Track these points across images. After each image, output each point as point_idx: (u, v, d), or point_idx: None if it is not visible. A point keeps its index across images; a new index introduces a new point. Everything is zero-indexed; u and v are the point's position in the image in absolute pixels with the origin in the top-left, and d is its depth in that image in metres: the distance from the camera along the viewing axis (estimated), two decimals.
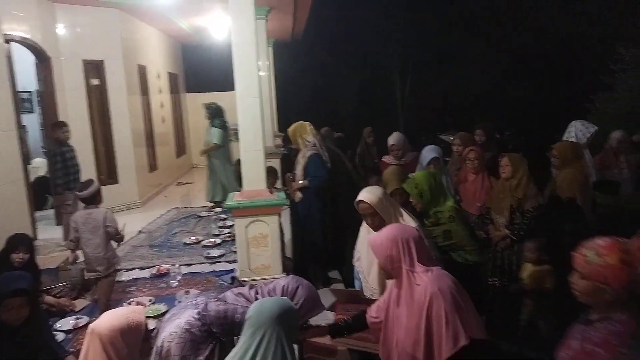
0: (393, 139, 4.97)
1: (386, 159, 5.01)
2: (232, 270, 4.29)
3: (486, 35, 14.91)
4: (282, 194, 3.99)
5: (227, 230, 5.50)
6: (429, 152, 4.33)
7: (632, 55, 8.68)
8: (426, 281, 1.94)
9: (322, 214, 4.66)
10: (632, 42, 8.80)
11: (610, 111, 8.61)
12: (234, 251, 4.52)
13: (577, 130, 4.55)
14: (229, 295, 2.23)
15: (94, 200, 3.65)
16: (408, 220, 2.68)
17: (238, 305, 2.13)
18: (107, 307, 3.31)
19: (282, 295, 2.13)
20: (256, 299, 2.15)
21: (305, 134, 4.61)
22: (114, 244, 3.74)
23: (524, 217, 3.56)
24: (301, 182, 4.53)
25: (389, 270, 2.06)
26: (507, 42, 14.63)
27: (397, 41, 15.55)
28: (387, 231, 2.11)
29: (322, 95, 16.02)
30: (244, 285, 3.30)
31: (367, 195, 2.68)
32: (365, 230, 2.85)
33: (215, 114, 6.79)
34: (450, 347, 1.84)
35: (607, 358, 1.52)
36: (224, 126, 6.83)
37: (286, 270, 3.88)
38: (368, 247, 2.59)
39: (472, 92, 15.41)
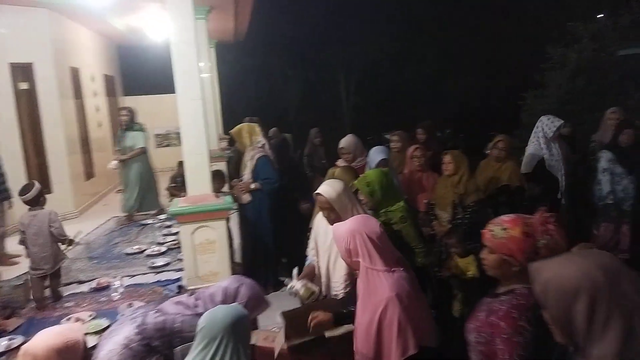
0: (343, 142, 4.62)
1: (339, 163, 4.71)
2: (178, 279, 4.14)
3: (426, 35, 15.40)
4: (228, 198, 3.89)
5: (172, 237, 5.30)
6: (376, 154, 4.23)
7: (559, 55, 9.22)
8: (385, 284, 1.93)
9: (273, 217, 4.61)
10: (559, 42, 9.35)
11: (541, 107, 9.08)
12: (180, 259, 4.36)
13: (543, 125, 4.72)
14: (167, 305, 2.13)
15: (37, 202, 3.74)
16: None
17: (177, 314, 2.05)
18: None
19: (224, 297, 2.06)
20: (196, 305, 2.07)
21: (255, 135, 4.55)
22: (61, 245, 3.79)
23: (466, 212, 3.68)
24: (253, 185, 4.46)
25: (348, 263, 2.05)
26: (446, 41, 15.18)
27: (340, 41, 15.71)
28: (350, 223, 2.09)
29: (267, 97, 15.93)
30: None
31: (326, 188, 2.64)
32: (321, 221, 2.81)
33: (133, 117, 6.34)
34: (399, 355, 1.86)
35: (507, 331, 1.58)
36: (143, 129, 6.41)
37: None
38: (331, 241, 2.62)
39: (415, 90, 15.86)
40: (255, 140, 4.57)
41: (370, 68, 16.23)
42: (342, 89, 16.99)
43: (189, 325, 1.95)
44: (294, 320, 2.36)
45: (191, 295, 2.19)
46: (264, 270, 4.51)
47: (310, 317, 2.25)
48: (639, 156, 4.68)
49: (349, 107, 17.00)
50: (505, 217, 1.77)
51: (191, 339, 1.75)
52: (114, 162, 6.32)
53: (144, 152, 6.32)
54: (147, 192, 6.35)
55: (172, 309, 2.08)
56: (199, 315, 1.84)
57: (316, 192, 2.67)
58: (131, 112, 6.36)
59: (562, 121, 4.60)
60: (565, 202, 4.66)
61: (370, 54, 15.68)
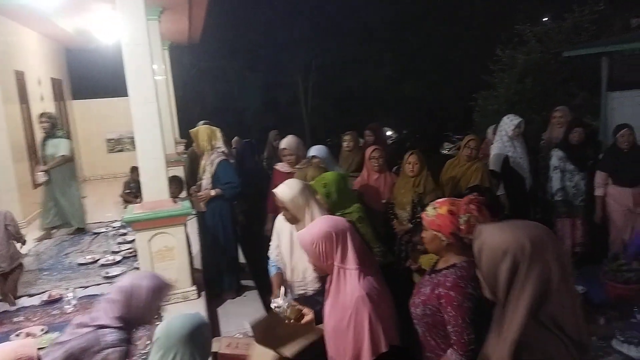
0: (284, 142, 4.42)
1: (279, 166, 4.48)
2: None
3: (382, 38, 15.67)
4: (187, 203, 3.81)
5: (127, 245, 5.13)
6: (310, 152, 4.24)
7: (508, 57, 9.60)
8: (355, 283, 1.94)
9: (233, 221, 4.55)
10: (508, 44, 9.73)
11: (491, 108, 9.44)
12: (136, 268, 4.23)
13: (504, 124, 4.88)
14: (67, 331, 1.94)
15: None
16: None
17: (75, 337, 1.87)
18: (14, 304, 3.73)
19: (123, 296, 1.91)
20: (95, 318, 1.91)
21: (215, 139, 4.48)
22: (17, 244, 3.83)
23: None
24: (213, 191, 4.35)
25: (320, 267, 2.04)
26: (401, 45, 15.50)
27: (298, 43, 15.73)
28: (317, 226, 2.06)
29: (225, 99, 15.73)
30: None
31: (282, 188, 2.65)
32: (283, 220, 2.79)
33: (55, 124, 5.91)
34: (371, 354, 1.88)
35: (458, 298, 1.81)
36: (66, 136, 6.02)
37: (196, 282, 3.71)
38: (295, 242, 2.64)
39: (372, 92, 16.10)
40: (215, 145, 4.48)
41: (328, 70, 16.35)
42: (300, 91, 17.01)
43: (95, 341, 1.82)
44: (266, 331, 2.34)
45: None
46: (226, 275, 4.44)
47: (297, 317, 2.35)
48: (587, 153, 4.94)
49: (307, 110, 17.04)
50: (438, 200, 2.07)
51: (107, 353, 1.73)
52: (40, 173, 5.77)
53: (67, 160, 5.84)
54: (69, 207, 5.83)
55: (70, 335, 1.90)
56: (104, 327, 1.80)
57: (273, 190, 2.69)
58: (52, 119, 5.93)
59: (521, 119, 4.76)
60: (530, 198, 4.88)
61: (328, 56, 15.80)
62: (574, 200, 4.73)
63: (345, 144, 5.00)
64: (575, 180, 4.69)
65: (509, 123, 4.77)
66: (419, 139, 12.80)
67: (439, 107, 15.06)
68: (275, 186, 3.82)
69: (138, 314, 1.92)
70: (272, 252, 2.93)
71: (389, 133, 16.34)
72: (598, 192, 4.77)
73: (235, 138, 6.28)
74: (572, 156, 4.69)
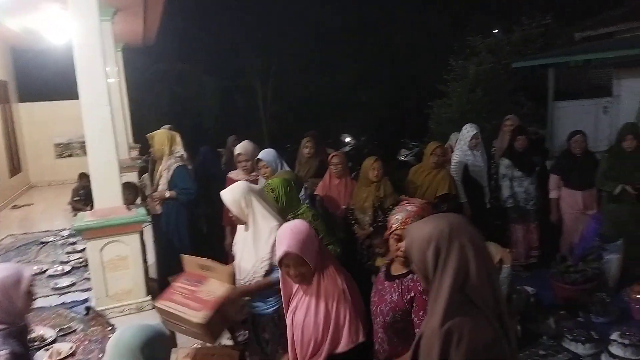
0: (240, 147, 4.28)
1: (233, 174, 4.31)
2: (86, 300, 3.83)
3: (339, 46, 15.83)
4: (141, 210, 3.69)
5: (77, 255, 4.89)
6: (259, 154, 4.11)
7: (460, 67, 9.93)
8: (335, 278, 2.01)
9: (190, 229, 4.45)
10: (460, 55, 10.07)
11: (445, 116, 9.72)
12: (87, 278, 4.04)
13: (462, 134, 5.02)
14: None
15: None
16: (268, 220, 2.69)
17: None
18: None
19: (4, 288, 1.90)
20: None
21: (175, 144, 4.40)
22: None
23: (386, 214, 3.83)
24: (168, 192, 4.27)
25: (304, 274, 2.02)
26: (358, 52, 15.71)
27: (256, 48, 15.64)
28: (288, 237, 2.02)
29: (181, 103, 15.38)
30: (100, 316, 2.98)
31: (226, 192, 2.70)
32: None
33: None
34: (349, 342, 1.95)
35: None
36: None
37: (151, 292, 3.59)
38: (245, 242, 2.70)
39: (331, 99, 16.21)
40: (175, 150, 4.40)
41: (287, 76, 16.34)
42: (259, 96, 16.89)
43: None
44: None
45: None
46: None
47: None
48: (533, 159, 5.17)
49: (266, 115, 16.95)
50: (411, 208, 2.17)
51: None
52: None
53: None
54: None
55: None
56: None
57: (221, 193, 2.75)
58: None
59: (476, 131, 4.91)
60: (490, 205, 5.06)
61: (287, 61, 15.79)
62: (526, 205, 4.93)
63: (306, 150, 5.00)
64: (524, 186, 4.91)
65: (466, 134, 4.93)
66: (377, 145, 12.98)
67: (395, 114, 15.37)
68: None
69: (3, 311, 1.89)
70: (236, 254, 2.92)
71: (347, 139, 16.51)
72: (552, 194, 5.03)
73: (205, 147, 6.11)
74: (518, 163, 4.91)
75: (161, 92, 15.04)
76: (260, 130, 16.59)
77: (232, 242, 2.97)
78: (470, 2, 14.29)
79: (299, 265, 1.98)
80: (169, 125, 5.64)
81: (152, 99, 14.30)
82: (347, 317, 1.97)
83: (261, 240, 2.66)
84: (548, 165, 5.73)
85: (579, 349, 3.42)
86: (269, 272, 2.62)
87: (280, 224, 2.60)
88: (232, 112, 16.13)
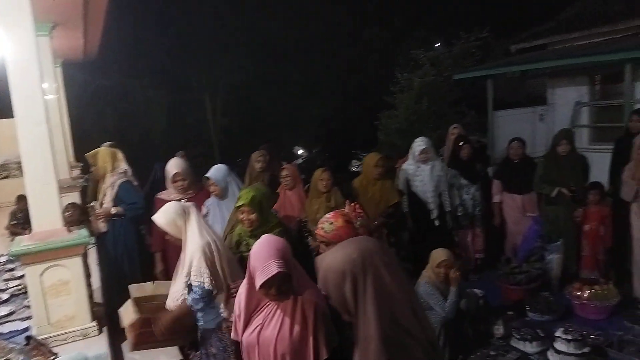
0: (176, 165, 3.94)
1: (165, 195, 3.94)
2: (26, 329, 3.60)
3: (288, 59, 15.93)
4: (84, 231, 3.52)
5: (16, 282, 4.60)
6: (208, 173, 3.91)
7: (406, 79, 10.25)
8: (312, 290, 1.93)
9: (140, 246, 4.30)
10: (405, 68, 10.40)
11: (393, 127, 9.98)
12: (27, 306, 3.80)
13: (413, 146, 5.06)
14: None
15: None
16: (195, 238, 2.64)
17: None
18: None
19: None
20: None
21: (117, 161, 4.24)
22: None
23: None
24: (114, 208, 4.10)
25: (286, 291, 1.92)
26: (307, 66, 15.86)
27: (204, 62, 15.43)
28: (281, 249, 1.92)
29: (127, 119, 14.89)
30: (42, 345, 2.80)
31: (159, 215, 2.67)
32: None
33: None
34: (327, 351, 1.89)
35: None
36: None
37: (97, 317, 3.42)
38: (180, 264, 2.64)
39: (281, 112, 16.24)
40: (117, 166, 4.25)
41: (237, 90, 16.22)
42: (208, 110, 16.64)
43: None
44: None
45: None
46: None
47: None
48: (477, 167, 5.38)
49: (216, 129, 16.71)
50: (327, 215, 2.29)
51: None
52: None
53: None
54: None
55: None
56: None
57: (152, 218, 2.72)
58: None
59: (425, 145, 4.88)
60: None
61: (236, 75, 15.68)
62: (474, 211, 5.13)
63: (258, 164, 4.95)
64: (471, 193, 5.10)
65: (416, 148, 4.92)
66: (329, 157, 13.09)
67: (345, 126, 15.59)
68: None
69: None
70: (184, 277, 2.83)
71: (300, 152, 16.59)
72: (495, 199, 5.26)
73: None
74: (464, 172, 5.11)
75: (105, 108, 14.51)
76: (210, 145, 16.34)
77: (163, 269, 2.93)
78: (412, 18, 14.81)
79: (284, 283, 1.88)
80: (109, 142, 5.46)
81: (95, 115, 13.77)
82: (324, 326, 1.96)
83: (187, 261, 2.64)
84: (490, 171, 6.00)
85: (527, 347, 3.57)
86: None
87: (206, 242, 2.59)
88: (180, 126, 15.80)
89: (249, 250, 2.19)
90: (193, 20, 14.71)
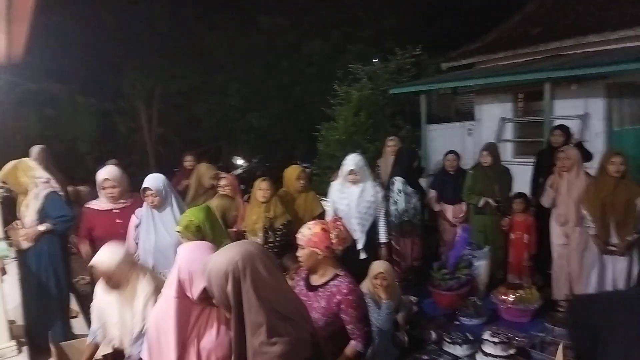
0: (107, 172, 3.73)
1: (94, 204, 3.77)
2: None
3: (227, 70, 15.77)
4: (2, 245, 3.28)
5: None
6: (144, 182, 3.62)
7: (344, 92, 10.46)
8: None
9: (66, 261, 4.05)
10: (344, 81, 10.62)
11: (333, 138, 10.13)
12: None
13: (344, 162, 5.08)
14: None
15: None
16: (144, 284, 2.53)
17: None
18: None
19: None
20: None
21: (31, 170, 3.91)
22: None
23: (276, 234, 3.87)
24: (42, 226, 3.80)
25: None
26: (246, 76, 15.78)
27: (139, 69, 14.90)
28: (204, 247, 2.00)
29: (53, 127, 14.00)
30: None
31: (103, 258, 2.48)
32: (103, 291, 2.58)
33: None
34: None
35: (355, 300, 2.31)
36: None
37: (15, 337, 3.19)
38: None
39: (220, 122, 16.01)
40: (35, 176, 3.92)
41: (173, 98, 15.80)
42: (143, 119, 16.05)
43: None
44: None
45: None
46: (56, 325, 3.89)
47: None
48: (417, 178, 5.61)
49: (152, 138, 16.13)
50: (310, 222, 2.47)
51: None
52: None
53: None
54: None
55: None
56: None
57: (91, 264, 2.50)
58: None
59: (354, 167, 4.40)
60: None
61: (172, 83, 15.28)
62: (413, 220, 5.33)
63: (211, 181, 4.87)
64: (413, 202, 5.31)
65: (346, 166, 4.44)
66: (269, 167, 13.05)
67: (286, 136, 15.63)
68: (89, 231, 3.49)
69: None
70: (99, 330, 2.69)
71: (239, 162, 16.39)
72: (436, 207, 5.52)
73: (112, 161, 5.68)
74: (410, 180, 5.33)
75: (29, 115, 13.57)
76: (145, 154, 15.75)
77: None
78: (349, 33, 15.20)
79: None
80: (40, 146, 5.16)
81: (18, 122, 12.85)
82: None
83: (136, 306, 2.50)
84: (423, 182, 6.27)
85: (458, 350, 3.72)
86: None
87: (156, 287, 2.49)
88: (112, 135, 15.12)
89: None
90: (126, 25, 14.17)
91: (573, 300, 3.69)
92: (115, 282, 2.47)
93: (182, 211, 3.52)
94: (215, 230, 2.96)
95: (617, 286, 4.04)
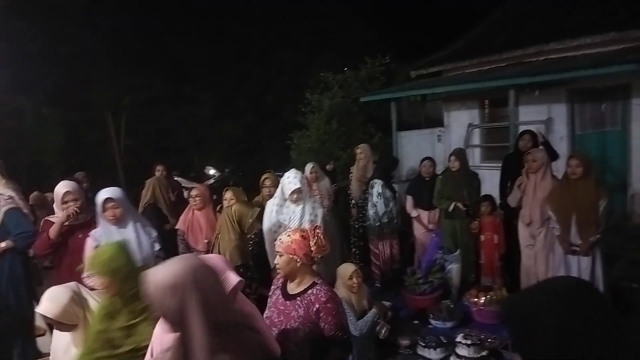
0: (67, 185, 3.53)
1: (54, 218, 3.55)
2: None
3: (197, 79, 15.65)
4: None
5: None
6: (102, 194, 3.32)
7: (316, 100, 10.52)
8: None
9: (28, 277, 3.91)
10: (315, 89, 10.68)
11: (306, 146, 10.15)
12: None
13: (283, 181, 5.07)
14: None
15: None
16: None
17: None
18: None
19: None
20: None
21: None
22: None
23: (249, 243, 3.83)
24: (3, 243, 3.68)
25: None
26: (216, 85, 15.68)
27: (105, 80, 14.60)
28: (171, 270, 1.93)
29: (16, 139, 13.54)
30: None
31: (47, 306, 2.27)
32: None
33: None
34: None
35: (334, 307, 2.31)
36: None
37: None
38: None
39: (191, 131, 15.83)
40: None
41: (142, 108, 15.54)
42: (111, 130, 15.72)
43: None
44: None
45: None
46: (18, 343, 3.75)
47: None
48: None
49: (120, 150, 15.81)
50: (289, 230, 2.50)
51: None
52: None
53: None
54: None
55: None
56: None
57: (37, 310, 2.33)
58: None
59: (298, 186, 4.06)
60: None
61: (141, 94, 15.04)
62: (392, 222, 5.40)
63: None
64: (391, 206, 5.38)
65: (287, 185, 4.10)
66: (242, 176, 12.96)
67: (258, 145, 15.58)
68: (51, 246, 3.30)
69: None
70: None
71: (211, 172, 16.21)
72: (413, 213, 5.58)
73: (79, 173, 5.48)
74: (388, 185, 5.42)
75: None
76: (113, 165, 15.42)
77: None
78: (320, 42, 15.33)
79: None
80: None
81: None
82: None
83: None
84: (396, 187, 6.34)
85: (432, 354, 3.75)
86: None
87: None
88: (79, 147, 14.74)
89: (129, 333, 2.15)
90: (93, 35, 13.91)
91: (508, 296, 3.75)
92: (67, 327, 2.30)
93: (144, 227, 3.38)
94: (132, 268, 2.37)
95: None
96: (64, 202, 3.49)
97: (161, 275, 1.50)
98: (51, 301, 2.29)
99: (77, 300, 2.34)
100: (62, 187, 3.53)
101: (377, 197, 5.29)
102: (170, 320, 1.51)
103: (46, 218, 3.67)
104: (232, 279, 1.97)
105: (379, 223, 5.29)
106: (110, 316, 2.25)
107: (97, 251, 2.48)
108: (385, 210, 5.28)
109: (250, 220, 3.74)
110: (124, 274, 2.29)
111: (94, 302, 2.40)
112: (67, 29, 13.62)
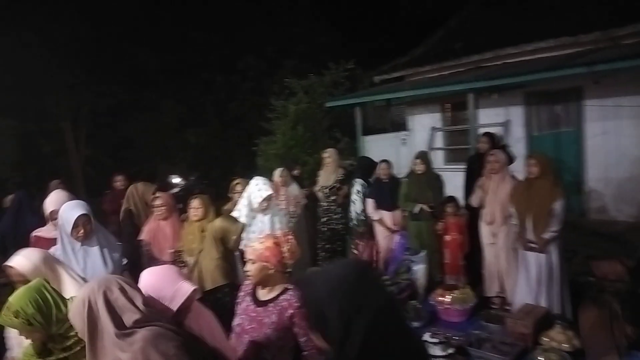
0: (55, 202, 3.49)
1: (44, 232, 3.59)
2: None
3: (157, 86, 15.36)
4: None
5: None
6: (71, 211, 3.02)
7: (281, 106, 10.52)
8: None
9: None
10: (280, 95, 10.68)
11: (272, 152, 10.13)
12: None
13: (250, 190, 5.00)
14: None
15: None
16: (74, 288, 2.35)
17: None
18: None
19: None
20: None
21: None
22: None
23: None
24: None
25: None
26: (179, 92, 15.43)
27: (62, 88, 14.11)
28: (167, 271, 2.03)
29: None
30: None
31: (20, 260, 2.31)
32: None
33: None
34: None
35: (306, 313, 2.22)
36: None
37: None
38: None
39: (153, 140, 15.52)
40: None
41: (102, 117, 15.13)
42: (69, 140, 15.20)
43: None
44: None
45: None
46: None
47: None
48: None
49: (80, 159, 15.31)
50: (260, 236, 2.42)
51: None
52: None
53: None
54: None
55: None
56: None
57: (7, 264, 2.31)
58: None
59: (269, 192, 4.12)
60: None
61: (100, 102, 14.63)
62: (366, 222, 5.48)
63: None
64: (362, 207, 5.50)
65: (257, 193, 4.08)
66: (208, 184, 12.79)
67: (224, 152, 15.42)
68: None
69: None
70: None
71: (176, 180, 15.91)
72: (375, 216, 5.62)
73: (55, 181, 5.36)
74: (369, 185, 5.51)
75: None
76: (72, 176, 14.93)
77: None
78: (283, 48, 15.34)
79: None
80: None
81: None
82: None
83: None
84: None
85: None
86: None
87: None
88: (36, 158, 14.20)
89: None
90: (49, 43, 13.42)
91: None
92: None
93: (108, 240, 3.20)
94: (50, 318, 1.93)
95: (541, 281, 4.31)
96: (53, 219, 3.52)
97: (79, 294, 1.61)
98: (25, 257, 2.31)
99: (49, 265, 2.36)
100: (50, 205, 3.61)
101: (357, 194, 5.46)
102: (82, 333, 1.58)
103: (35, 233, 3.65)
104: (185, 288, 1.91)
105: (356, 219, 5.40)
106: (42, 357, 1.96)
107: (7, 305, 1.96)
108: (362, 208, 5.47)
109: (234, 237, 3.60)
110: (41, 320, 1.88)
111: (67, 275, 2.41)
112: (22, 38, 13.12)
